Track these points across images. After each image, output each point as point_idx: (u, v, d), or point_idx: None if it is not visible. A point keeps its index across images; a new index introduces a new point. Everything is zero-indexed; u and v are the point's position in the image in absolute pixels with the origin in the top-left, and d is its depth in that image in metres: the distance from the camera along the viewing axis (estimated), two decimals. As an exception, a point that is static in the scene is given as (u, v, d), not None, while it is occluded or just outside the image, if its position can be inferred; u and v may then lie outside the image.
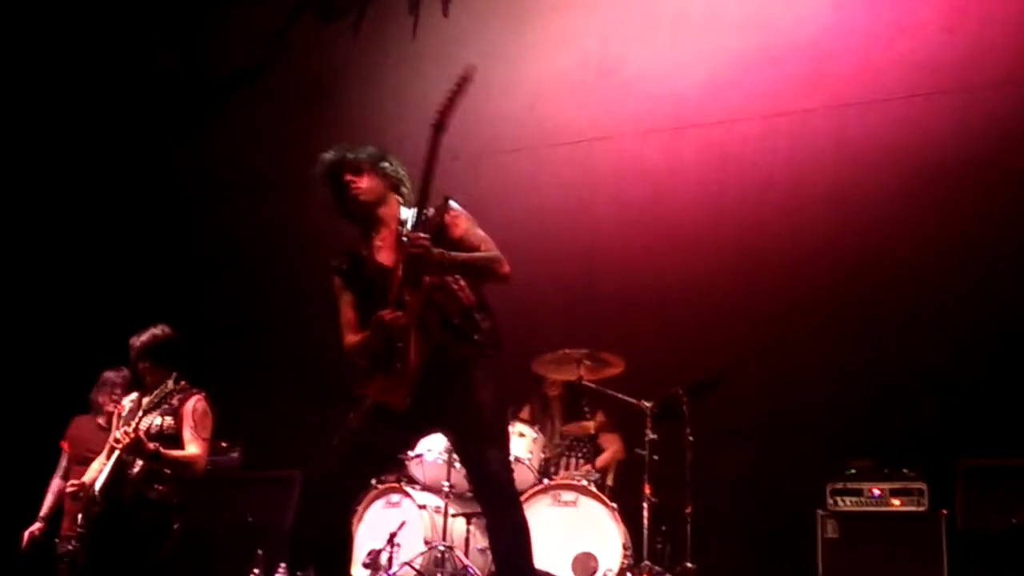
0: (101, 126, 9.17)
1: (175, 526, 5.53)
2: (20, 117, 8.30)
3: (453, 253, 4.24)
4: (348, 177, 4.41)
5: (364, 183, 4.42)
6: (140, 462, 5.48)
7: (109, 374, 6.74)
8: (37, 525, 6.63)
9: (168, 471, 5.50)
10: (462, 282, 4.32)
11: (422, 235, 4.17)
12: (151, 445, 5.40)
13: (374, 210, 4.45)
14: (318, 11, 9.21)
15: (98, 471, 5.60)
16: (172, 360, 5.76)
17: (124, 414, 5.78)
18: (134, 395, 5.88)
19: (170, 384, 5.56)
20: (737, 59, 7.74)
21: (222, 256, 8.80)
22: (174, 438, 5.58)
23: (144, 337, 5.80)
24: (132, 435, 5.34)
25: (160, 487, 5.50)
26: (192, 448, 5.59)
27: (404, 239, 4.23)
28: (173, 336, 5.84)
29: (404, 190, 4.52)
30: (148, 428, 5.47)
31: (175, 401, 5.55)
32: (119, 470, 5.47)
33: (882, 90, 7.21)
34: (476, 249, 4.32)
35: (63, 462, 6.83)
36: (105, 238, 8.92)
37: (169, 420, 5.59)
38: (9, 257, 8.27)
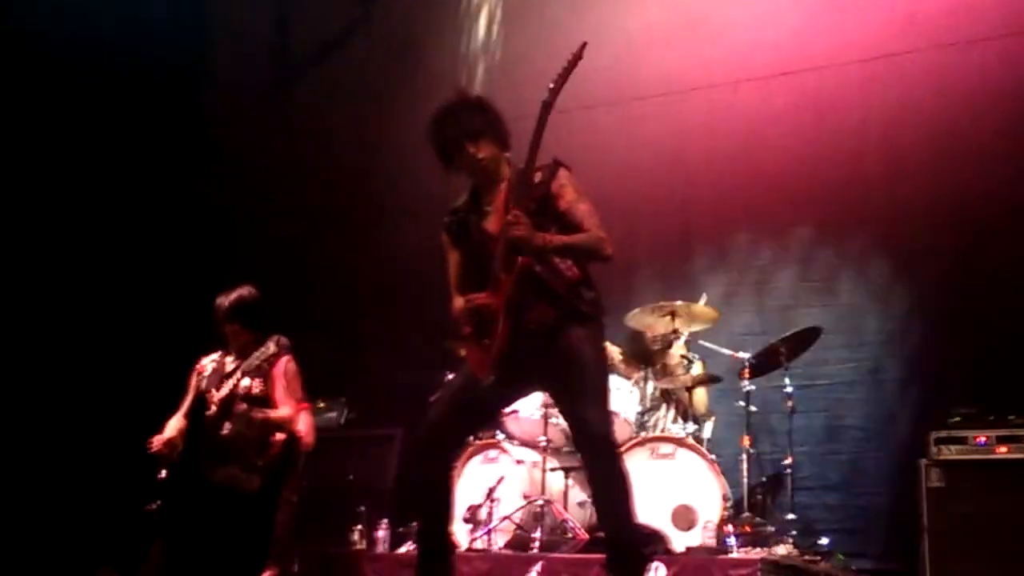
0: (187, 96, 9.27)
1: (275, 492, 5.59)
2: (100, 93, 8.38)
3: (554, 237, 4.21)
4: (470, 148, 4.35)
5: (484, 152, 4.36)
6: (228, 425, 5.52)
7: None
8: None
9: (258, 433, 5.54)
10: (564, 264, 4.30)
11: (523, 218, 4.13)
12: (243, 406, 5.47)
13: (492, 175, 4.43)
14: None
15: (180, 430, 5.67)
16: (260, 322, 5.76)
17: (207, 374, 5.82)
18: (215, 355, 5.91)
19: (272, 347, 5.53)
20: (830, 2, 7.57)
21: (319, 218, 8.88)
22: (263, 400, 5.62)
23: (232, 298, 5.78)
24: (226, 396, 5.40)
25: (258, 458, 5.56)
26: (284, 410, 5.64)
27: (509, 218, 4.15)
28: (260, 297, 5.85)
29: (510, 142, 4.48)
30: (237, 389, 5.52)
31: (264, 364, 5.55)
32: (209, 431, 5.51)
33: (983, 28, 6.99)
34: (579, 224, 4.27)
35: None
36: (192, 208, 9.04)
37: (259, 382, 5.62)
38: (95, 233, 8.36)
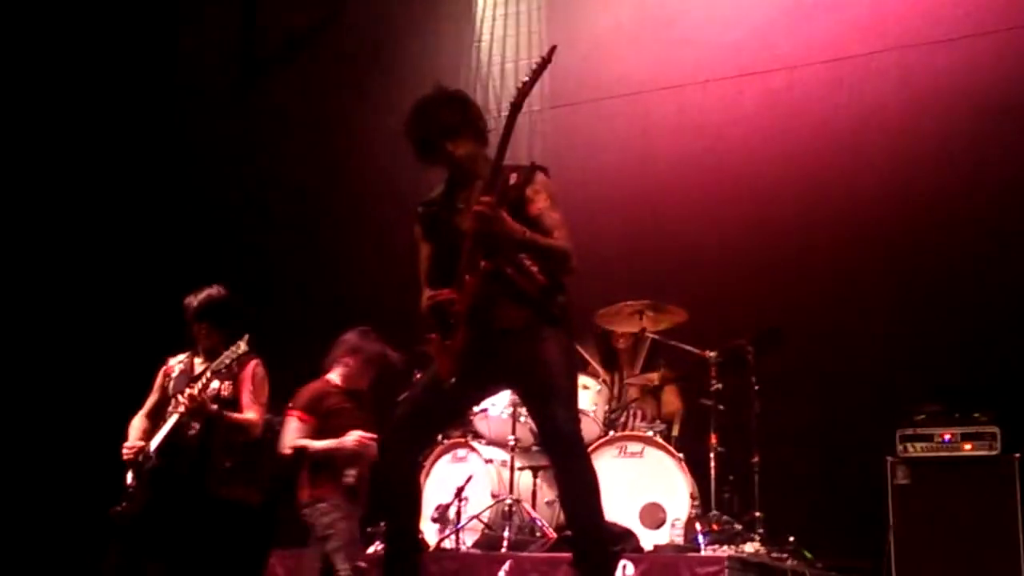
0: (151, 91, 9.22)
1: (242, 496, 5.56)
2: (67, 85, 8.31)
3: (525, 230, 4.18)
4: (448, 145, 4.34)
5: (462, 149, 4.35)
6: (196, 426, 5.48)
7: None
8: None
9: (223, 436, 5.51)
10: (534, 266, 4.29)
11: (495, 204, 4.10)
12: (214, 407, 5.42)
13: (468, 173, 4.39)
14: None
15: (145, 430, 5.62)
16: (229, 322, 5.71)
17: (175, 375, 5.77)
18: (183, 356, 5.86)
19: (242, 347, 5.48)
20: (799, 4, 7.61)
21: (284, 220, 8.85)
22: (231, 402, 5.58)
23: (201, 297, 5.73)
24: (198, 398, 5.36)
25: (227, 459, 5.53)
26: (250, 413, 5.60)
27: (479, 204, 4.12)
28: (229, 297, 5.80)
29: (488, 138, 4.46)
30: (205, 390, 5.46)
31: (234, 366, 5.51)
32: (176, 432, 5.47)
33: (948, 29, 7.05)
34: (549, 232, 4.25)
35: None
36: (158, 206, 8.98)
37: (227, 384, 5.58)
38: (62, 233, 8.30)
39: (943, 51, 7.05)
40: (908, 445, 6.05)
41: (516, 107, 4.19)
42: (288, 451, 5.55)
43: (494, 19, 8.43)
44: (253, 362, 5.64)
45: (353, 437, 5.43)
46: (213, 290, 5.77)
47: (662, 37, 7.99)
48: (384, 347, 5.82)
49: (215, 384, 5.46)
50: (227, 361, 5.40)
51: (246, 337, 5.44)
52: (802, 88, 7.50)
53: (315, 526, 5.43)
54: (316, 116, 9.02)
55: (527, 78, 4.19)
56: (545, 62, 4.19)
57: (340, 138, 8.89)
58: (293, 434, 5.55)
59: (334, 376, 5.73)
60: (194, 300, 5.73)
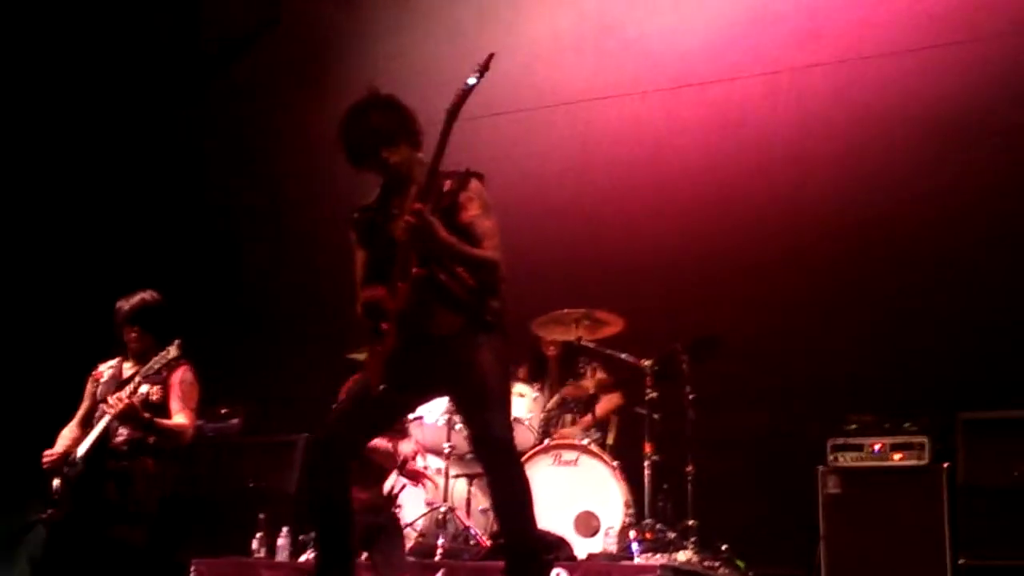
0: (95, 96, 9.09)
1: (160, 496, 5.48)
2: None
3: (455, 240, 4.16)
4: (383, 152, 4.30)
5: (397, 156, 4.32)
6: (124, 432, 5.40)
7: None
8: None
9: (152, 441, 5.44)
10: (466, 273, 4.26)
11: (427, 211, 4.09)
12: (146, 415, 5.35)
13: (403, 179, 4.36)
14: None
15: (75, 439, 5.53)
16: (161, 327, 5.64)
17: (104, 380, 5.69)
18: (113, 361, 5.77)
19: (172, 351, 5.41)
20: (738, 16, 7.67)
21: (220, 222, 8.79)
22: (160, 407, 5.50)
23: (133, 302, 5.66)
24: (127, 402, 5.27)
25: (148, 460, 5.45)
26: (180, 418, 5.53)
27: (411, 211, 4.10)
28: (162, 302, 5.73)
29: (422, 142, 4.42)
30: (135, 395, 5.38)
31: (163, 371, 5.44)
32: (103, 438, 5.39)
33: (885, 44, 7.14)
34: (479, 240, 4.23)
35: None
36: (103, 206, 8.87)
37: (156, 389, 5.50)
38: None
39: (879, 65, 7.14)
40: (839, 455, 6.11)
41: (452, 114, 4.15)
42: None
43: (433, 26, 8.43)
44: (183, 367, 5.58)
45: None
46: (146, 294, 5.71)
47: (602, 47, 8.02)
48: None
49: (144, 388, 5.39)
50: (157, 366, 5.33)
51: (177, 342, 5.38)
52: (741, 99, 7.56)
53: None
54: (257, 118, 8.96)
55: (464, 85, 4.17)
56: (483, 69, 4.18)
57: (280, 141, 8.82)
58: None
59: None
60: (125, 304, 5.66)
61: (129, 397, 5.29)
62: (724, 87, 7.64)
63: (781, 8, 7.50)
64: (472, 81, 4.16)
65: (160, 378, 5.46)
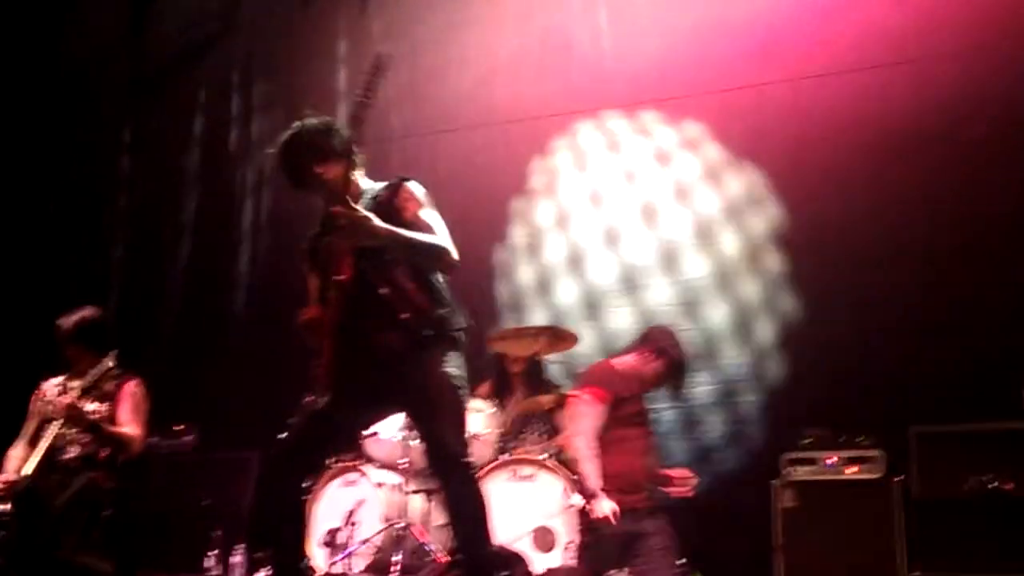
0: (37, 103, 9.02)
1: (105, 512, 5.40)
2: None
3: (392, 228, 4.17)
4: (316, 169, 4.34)
5: (331, 172, 4.34)
6: (74, 450, 5.34)
7: None
8: None
9: (103, 455, 5.37)
10: (411, 285, 4.26)
11: (351, 207, 4.11)
12: (92, 416, 5.29)
13: (340, 196, 4.32)
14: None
15: (23, 458, 5.46)
16: (103, 343, 5.60)
17: (46, 399, 5.63)
18: (58, 379, 5.71)
19: (108, 363, 5.37)
20: (691, 34, 7.71)
21: (172, 236, 8.71)
22: (108, 422, 5.45)
23: (74, 319, 5.63)
24: (67, 402, 5.21)
25: (93, 474, 5.38)
26: (130, 428, 5.48)
27: (333, 212, 4.14)
28: (103, 319, 5.70)
29: (358, 160, 4.45)
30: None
31: (110, 386, 5.40)
32: (51, 455, 5.33)
33: (837, 62, 7.20)
34: (428, 233, 4.26)
35: None
36: (44, 220, 8.78)
37: (103, 406, 5.45)
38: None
39: (831, 83, 7.20)
40: (794, 469, 6.15)
41: (354, 120, 4.19)
42: None
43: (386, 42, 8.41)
44: (132, 381, 5.57)
45: None
46: (87, 311, 5.70)
47: (557, 64, 8.03)
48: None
49: (90, 406, 5.35)
50: (93, 379, 5.30)
51: (112, 354, 5.37)
52: (696, 116, 7.60)
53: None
54: (202, 131, 8.92)
55: (362, 91, 4.17)
56: (377, 70, 4.16)
57: (229, 158, 8.79)
58: None
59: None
60: (67, 322, 5.66)
61: (72, 402, 5.25)
62: (678, 104, 7.68)
63: (734, 26, 7.54)
64: (371, 74, 4.16)
65: (106, 393, 5.43)
